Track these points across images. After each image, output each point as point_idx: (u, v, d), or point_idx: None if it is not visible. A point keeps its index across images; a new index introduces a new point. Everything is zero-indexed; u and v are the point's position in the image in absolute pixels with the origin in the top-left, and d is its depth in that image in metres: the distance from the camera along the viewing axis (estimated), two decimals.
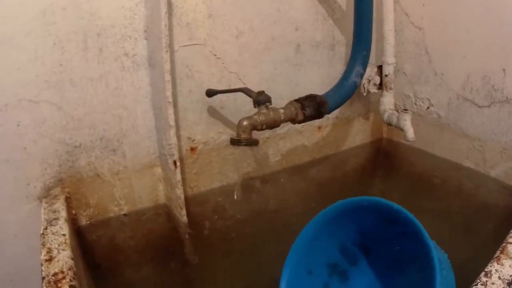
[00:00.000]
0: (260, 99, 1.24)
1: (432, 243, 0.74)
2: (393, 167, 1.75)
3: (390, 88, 1.63)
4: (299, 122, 1.31)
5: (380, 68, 1.63)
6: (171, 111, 1.20)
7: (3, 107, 1.13)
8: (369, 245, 1.00)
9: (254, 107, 1.25)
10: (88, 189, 1.33)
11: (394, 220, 0.84)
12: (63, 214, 1.13)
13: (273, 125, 1.24)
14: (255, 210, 1.42)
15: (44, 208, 1.16)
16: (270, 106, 1.25)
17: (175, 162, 1.24)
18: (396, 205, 0.82)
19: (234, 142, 1.19)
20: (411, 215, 0.79)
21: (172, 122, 1.21)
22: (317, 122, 1.45)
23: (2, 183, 1.19)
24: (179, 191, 1.27)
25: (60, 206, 1.18)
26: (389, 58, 1.60)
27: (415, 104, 1.73)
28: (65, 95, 1.22)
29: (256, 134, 1.21)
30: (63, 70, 1.20)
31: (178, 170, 1.25)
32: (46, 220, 1.09)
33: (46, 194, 1.26)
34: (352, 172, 1.70)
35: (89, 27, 1.21)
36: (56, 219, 1.10)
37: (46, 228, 1.04)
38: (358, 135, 1.73)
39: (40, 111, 1.19)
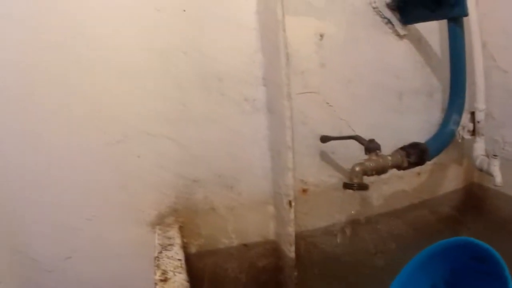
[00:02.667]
0: (371, 147, 1.36)
1: None
2: (482, 212, 1.80)
3: (482, 134, 1.67)
4: (404, 169, 1.41)
5: (472, 114, 1.68)
6: (290, 155, 1.31)
7: (123, 138, 1.27)
8: (456, 283, 1.07)
9: (365, 154, 1.36)
10: (202, 220, 1.44)
11: (482, 258, 0.93)
12: (178, 241, 1.25)
13: (381, 171, 1.35)
14: (357, 250, 1.52)
15: (158, 234, 1.29)
16: (379, 153, 1.36)
17: (290, 202, 1.35)
18: (486, 245, 0.92)
19: (347, 186, 1.30)
20: (497, 255, 0.89)
21: (290, 165, 1.31)
22: (417, 168, 1.46)
23: (116, 207, 1.32)
24: (291, 229, 1.36)
25: (174, 233, 1.31)
26: (481, 105, 1.60)
27: (503, 149, 1.75)
28: (186, 132, 1.34)
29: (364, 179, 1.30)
30: (185, 109, 1.33)
31: (292, 210, 1.35)
32: (161, 245, 1.21)
33: (160, 222, 1.38)
34: (446, 216, 1.77)
35: (210, 71, 1.34)
36: (171, 245, 1.22)
37: (160, 252, 1.15)
38: (452, 180, 1.78)
39: (160, 145, 1.32)
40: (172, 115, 1.31)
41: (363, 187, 1.29)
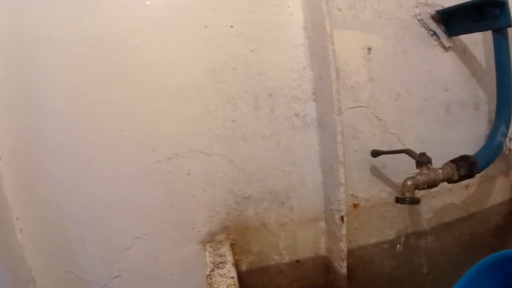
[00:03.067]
0: (423, 161, 1.36)
1: None
2: None
3: None
4: (454, 182, 1.41)
5: None
6: (342, 170, 1.31)
7: (174, 156, 1.29)
8: None
9: (417, 167, 1.36)
10: (253, 237, 1.44)
11: None
12: (230, 258, 1.24)
13: (432, 184, 1.36)
14: (410, 266, 1.51)
15: (210, 252, 1.29)
16: (430, 167, 1.36)
17: (342, 218, 1.35)
18: None
19: (399, 200, 1.31)
20: None
21: (342, 180, 1.32)
22: (465, 181, 1.46)
23: (166, 225, 1.33)
24: (343, 245, 1.36)
25: (226, 251, 1.30)
26: None
27: None
28: (237, 149, 1.35)
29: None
30: (236, 126, 1.34)
31: (344, 225, 1.35)
32: (212, 262, 1.21)
33: (211, 239, 1.38)
34: (495, 228, 1.76)
35: (260, 87, 1.35)
36: (223, 262, 1.21)
37: (212, 270, 1.15)
38: (500, 192, 1.74)
39: (211, 162, 1.33)
40: (223, 132, 1.32)
41: (415, 201, 1.30)
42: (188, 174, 1.30)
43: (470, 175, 1.41)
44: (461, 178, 1.39)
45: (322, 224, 1.47)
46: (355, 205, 1.49)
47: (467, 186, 1.73)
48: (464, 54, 1.63)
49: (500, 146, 1.55)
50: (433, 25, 1.56)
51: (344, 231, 1.35)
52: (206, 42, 1.27)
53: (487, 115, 1.72)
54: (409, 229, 1.58)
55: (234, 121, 1.32)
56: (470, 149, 1.48)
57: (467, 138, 1.67)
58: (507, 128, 1.55)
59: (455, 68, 1.62)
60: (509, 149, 1.68)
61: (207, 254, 1.26)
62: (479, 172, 1.44)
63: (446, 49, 1.60)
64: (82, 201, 1.24)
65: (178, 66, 1.25)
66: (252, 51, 1.32)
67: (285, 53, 1.36)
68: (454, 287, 1.08)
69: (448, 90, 1.61)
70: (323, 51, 1.27)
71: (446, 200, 1.66)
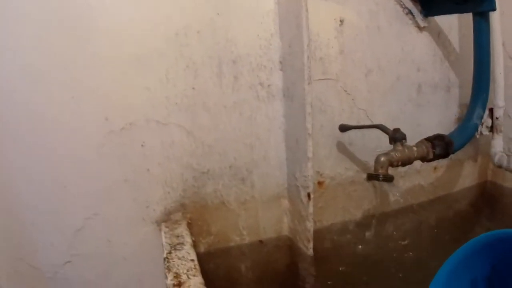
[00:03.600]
0: (397, 137, 1.26)
1: None
2: (497, 210, 1.75)
3: (500, 131, 1.63)
4: (428, 161, 1.32)
5: (491, 110, 1.63)
6: (310, 143, 1.21)
7: (127, 126, 1.16)
8: (494, 279, 0.99)
9: (390, 143, 1.27)
10: (211, 216, 1.33)
11: None
12: (188, 239, 1.13)
13: (407, 162, 1.26)
14: (377, 248, 1.43)
15: (165, 232, 1.17)
16: (405, 144, 1.27)
17: (309, 195, 1.25)
18: None
19: (372, 177, 1.21)
20: None
21: (310, 154, 1.21)
22: (434, 162, 1.44)
23: (119, 203, 1.20)
24: (309, 224, 1.26)
25: (183, 231, 1.19)
26: (500, 101, 1.59)
27: None
28: (196, 119, 1.24)
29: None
30: (196, 94, 1.22)
31: (311, 203, 1.25)
32: (169, 244, 1.09)
33: (166, 219, 1.27)
34: (462, 213, 1.72)
35: (224, 53, 1.24)
36: (181, 244, 1.10)
37: (170, 252, 1.04)
38: (468, 176, 1.71)
39: (168, 133, 1.22)
40: (181, 100, 1.20)
41: (388, 178, 1.21)
42: (142, 145, 1.18)
43: (445, 155, 1.33)
44: (436, 157, 1.31)
45: (285, 202, 1.39)
46: (320, 183, 1.41)
47: (435, 168, 1.67)
48: (438, 36, 1.55)
49: (476, 128, 1.48)
50: (409, 4, 1.47)
51: (310, 210, 1.25)
52: (168, 3, 1.15)
53: (458, 99, 1.66)
54: (376, 210, 1.54)
55: (194, 89, 1.20)
56: (440, 131, 1.39)
57: (437, 120, 1.62)
58: (484, 111, 1.49)
59: (428, 49, 1.54)
60: (481, 133, 1.60)
61: (163, 234, 1.14)
62: (453, 153, 1.36)
63: (420, 29, 1.51)
64: (31, 181, 1.10)
65: (136, 28, 1.11)
66: (218, 14, 1.20)
67: (253, 19, 1.24)
68: (444, 266, 0.98)
69: (421, 70, 1.53)
70: (296, 17, 1.17)
71: (414, 181, 1.62)
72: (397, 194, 1.52)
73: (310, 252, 1.29)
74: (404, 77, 1.51)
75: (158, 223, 1.25)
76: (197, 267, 0.97)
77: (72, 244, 1.18)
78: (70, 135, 1.11)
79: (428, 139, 1.32)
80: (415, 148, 1.28)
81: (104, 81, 1.12)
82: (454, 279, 0.98)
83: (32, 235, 1.14)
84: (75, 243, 1.18)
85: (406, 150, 1.25)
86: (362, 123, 1.43)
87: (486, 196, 1.83)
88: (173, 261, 0.99)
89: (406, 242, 1.47)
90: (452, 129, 1.48)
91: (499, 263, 0.97)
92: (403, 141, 1.26)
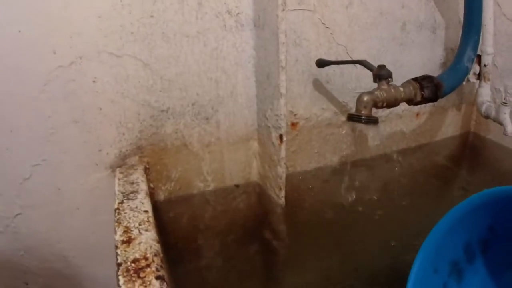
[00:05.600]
0: (383, 74, 1.08)
1: None
2: (479, 163, 1.62)
3: (488, 79, 1.50)
4: (416, 104, 1.16)
5: (479, 57, 1.49)
6: (283, 77, 1.03)
7: (77, 59, 0.98)
8: (490, 241, 0.87)
9: (374, 81, 1.09)
10: (171, 160, 1.16)
11: None
12: (144, 186, 0.97)
13: (393, 103, 1.09)
14: (355, 195, 1.27)
15: (119, 179, 1.00)
16: (391, 83, 1.09)
17: (281, 136, 1.09)
18: None
19: (353, 118, 1.04)
20: None
21: (283, 90, 1.04)
22: (416, 108, 1.37)
23: (69, 147, 1.04)
24: (281, 170, 1.11)
25: (139, 177, 1.02)
26: (489, 48, 1.46)
27: (504, 99, 1.57)
28: (155, 51, 1.06)
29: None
30: (154, 22, 1.04)
31: (283, 146, 1.09)
32: (122, 192, 0.93)
33: (121, 163, 1.10)
34: (444, 164, 1.56)
35: None
36: (135, 192, 0.94)
37: (122, 202, 0.88)
38: (450, 126, 1.59)
39: (122, 66, 1.03)
40: (138, 29, 1.02)
41: (372, 120, 1.04)
42: (94, 81, 1.00)
43: (434, 98, 1.17)
44: (424, 100, 1.15)
45: (255, 144, 1.24)
46: (293, 124, 1.27)
47: (417, 114, 1.53)
48: None
49: (467, 71, 1.34)
50: None
51: (283, 154, 1.10)
52: None
53: (443, 41, 1.51)
54: (354, 156, 1.41)
55: (152, 16, 1.02)
56: (425, 74, 1.23)
57: (422, 62, 1.47)
58: (475, 54, 1.35)
59: None
60: (467, 80, 1.47)
61: (116, 181, 0.98)
62: (442, 97, 1.20)
63: None
64: None
65: None
66: None
67: None
68: (439, 222, 0.84)
69: (405, 7, 1.36)
70: None
71: (395, 127, 1.48)
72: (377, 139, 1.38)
73: (282, 201, 1.15)
74: (388, 13, 1.33)
75: (113, 168, 1.08)
76: (151, 219, 0.82)
77: (20, 195, 1.03)
78: (14, 75, 0.94)
79: (416, 80, 1.15)
80: (401, 89, 1.11)
81: (52, 8, 0.93)
82: (448, 242, 0.84)
83: None
84: (24, 193, 1.03)
85: (392, 90, 1.08)
86: (340, 59, 1.26)
87: (468, 148, 1.72)
88: (125, 213, 0.83)
89: (383, 191, 1.32)
90: (438, 73, 1.31)
91: (498, 224, 0.83)
92: (389, 79, 1.08)
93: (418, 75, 1.20)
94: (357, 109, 1.05)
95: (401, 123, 1.50)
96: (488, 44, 1.47)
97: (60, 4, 0.94)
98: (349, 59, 1.28)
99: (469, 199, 0.82)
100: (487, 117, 1.49)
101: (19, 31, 0.93)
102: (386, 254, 0.98)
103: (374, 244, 1.05)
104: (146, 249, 0.72)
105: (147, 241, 0.75)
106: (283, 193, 1.14)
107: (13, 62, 0.94)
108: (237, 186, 1.26)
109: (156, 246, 0.74)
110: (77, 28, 0.97)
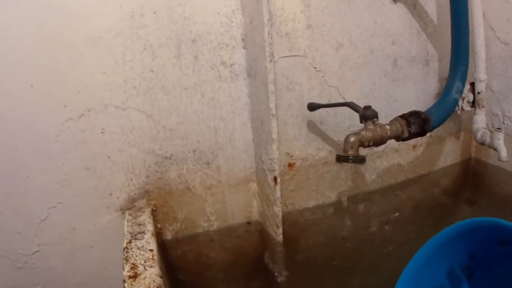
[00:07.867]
0: (368, 114, 1.10)
1: None
2: (481, 188, 1.59)
3: (483, 106, 1.44)
4: (404, 140, 1.15)
5: (472, 85, 1.44)
6: (274, 124, 1.06)
7: (86, 112, 1.04)
8: (473, 268, 0.87)
9: (361, 122, 1.11)
10: (176, 202, 1.21)
11: (507, 241, 0.75)
12: (150, 227, 1.01)
13: (379, 142, 1.10)
14: (352, 232, 1.27)
15: (128, 220, 1.05)
16: (376, 122, 1.10)
17: (275, 178, 1.11)
18: None
19: (341, 159, 1.06)
20: None
21: (275, 136, 1.07)
22: (413, 141, 1.33)
23: (81, 191, 1.09)
24: (277, 209, 1.13)
25: (146, 219, 1.06)
26: (482, 75, 1.41)
27: (502, 123, 1.54)
28: (156, 103, 1.11)
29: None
30: (155, 76, 1.09)
31: (278, 187, 1.11)
32: (130, 233, 0.98)
33: (130, 206, 1.15)
34: (444, 193, 1.53)
35: (183, 33, 1.09)
36: (142, 232, 0.98)
37: (130, 242, 0.93)
38: (449, 154, 1.56)
39: (127, 118, 1.09)
40: (140, 83, 1.07)
41: (359, 159, 1.05)
42: (102, 132, 1.06)
43: (422, 132, 1.16)
44: (412, 135, 1.14)
45: (254, 185, 1.26)
46: (290, 165, 1.28)
47: (414, 147, 1.51)
48: (414, 8, 1.38)
49: (455, 103, 1.32)
50: None
51: (278, 194, 1.12)
52: None
53: (437, 72, 1.49)
54: (351, 192, 1.39)
55: (152, 71, 1.07)
56: (418, 108, 1.23)
57: (416, 96, 1.46)
58: (463, 84, 1.33)
59: (404, 21, 1.36)
60: (462, 108, 1.43)
61: (125, 223, 1.03)
62: (431, 130, 1.20)
63: (394, 0, 1.33)
64: None
65: (91, 10, 0.99)
66: None
67: None
68: (416, 255, 0.86)
69: (396, 43, 1.36)
70: None
71: (392, 161, 1.47)
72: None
73: (280, 238, 1.17)
74: (378, 51, 1.33)
75: (123, 210, 1.14)
76: (155, 257, 0.86)
77: (38, 234, 1.08)
78: (29, 125, 1.00)
79: (402, 116, 1.15)
80: (388, 127, 1.11)
81: (60, 64, 0.99)
82: (428, 269, 0.85)
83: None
84: (41, 233, 1.09)
85: (378, 129, 1.09)
86: (333, 100, 1.27)
87: (470, 174, 1.68)
88: (132, 251, 0.89)
89: (381, 222, 1.32)
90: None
91: (478, 251, 0.84)
92: (375, 119, 1.09)
93: (413, 108, 1.21)
94: (344, 150, 1.06)
95: (398, 156, 1.44)
96: (480, 71, 1.43)
97: (68, 61, 1.00)
98: (341, 99, 1.29)
99: (443, 231, 0.84)
100: (482, 143, 1.44)
101: (31, 86, 0.99)
102: None
103: (372, 280, 1.06)
104: (150, 283, 0.77)
105: (151, 276, 0.80)
106: (280, 230, 1.15)
107: (27, 113, 1.00)
108: (248, 223, 1.29)
109: (159, 281, 0.79)
110: (85, 84, 1.03)
